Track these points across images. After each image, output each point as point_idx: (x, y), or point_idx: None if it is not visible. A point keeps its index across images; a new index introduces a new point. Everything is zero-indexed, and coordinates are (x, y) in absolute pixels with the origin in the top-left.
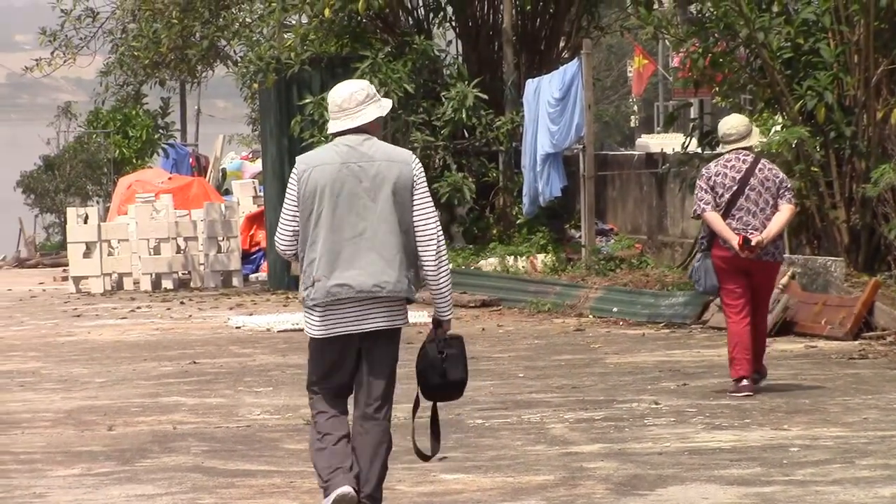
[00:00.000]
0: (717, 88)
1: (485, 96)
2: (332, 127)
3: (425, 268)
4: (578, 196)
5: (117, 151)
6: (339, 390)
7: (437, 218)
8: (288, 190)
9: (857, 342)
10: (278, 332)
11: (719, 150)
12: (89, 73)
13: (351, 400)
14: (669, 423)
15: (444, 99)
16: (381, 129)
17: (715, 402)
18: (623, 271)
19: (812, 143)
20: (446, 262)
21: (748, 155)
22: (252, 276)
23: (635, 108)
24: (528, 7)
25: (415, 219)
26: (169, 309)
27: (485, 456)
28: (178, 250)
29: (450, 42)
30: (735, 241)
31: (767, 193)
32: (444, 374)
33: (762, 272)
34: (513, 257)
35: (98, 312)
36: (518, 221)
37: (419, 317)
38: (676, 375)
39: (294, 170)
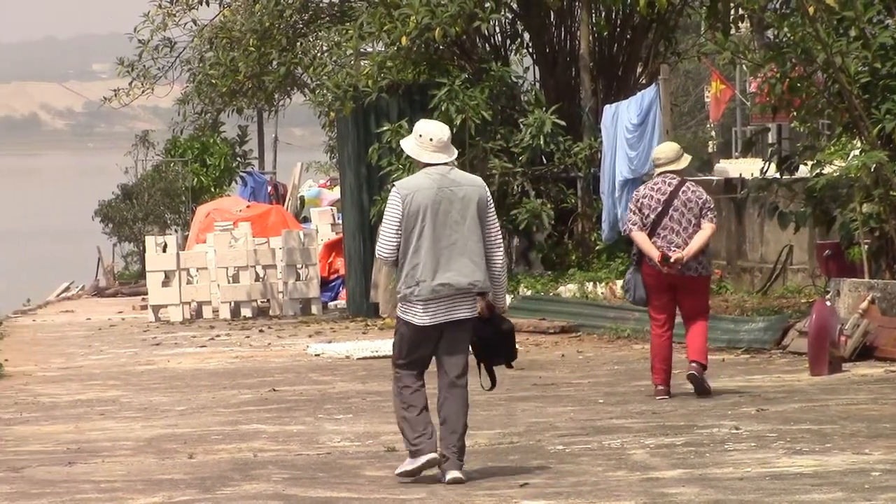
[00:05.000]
0: (794, 113)
1: (563, 122)
2: (429, 158)
3: (493, 267)
4: None
5: (195, 180)
6: (421, 366)
7: (500, 228)
8: (390, 210)
9: None
10: (358, 359)
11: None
12: (167, 102)
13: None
14: (750, 448)
15: (521, 125)
16: None
17: (795, 427)
18: None
19: (890, 167)
20: (505, 261)
21: (674, 178)
22: (331, 304)
23: (713, 133)
24: (605, 33)
25: (488, 230)
26: (248, 337)
27: (566, 482)
28: (257, 278)
29: (527, 68)
30: (656, 256)
31: (690, 213)
32: (495, 344)
33: (687, 287)
34: (592, 283)
35: (177, 341)
36: (597, 247)
37: None
38: (756, 400)
39: (396, 193)
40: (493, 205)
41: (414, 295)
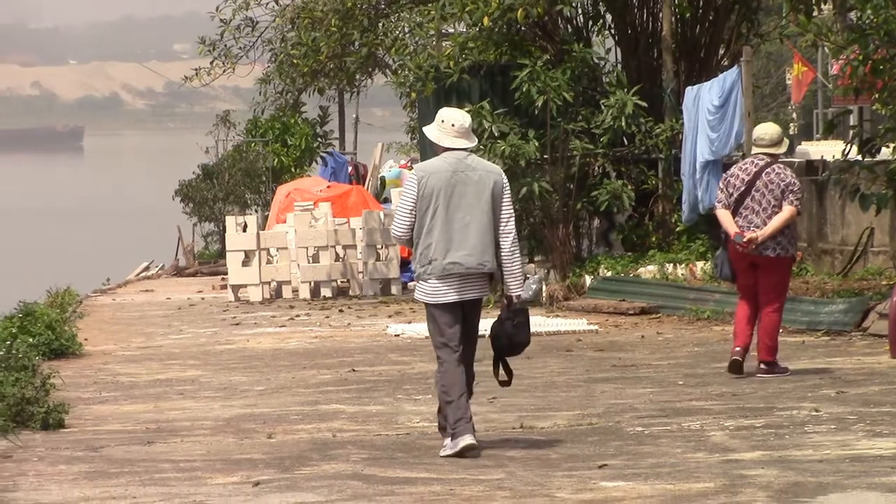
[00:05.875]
0: (876, 95)
1: (644, 104)
2: (450, 143)
3: (503, 253)
4: None
5: (276, 160)
6: (456, 345)
7: (513, 216)
8: (406, 190)
9: None
10: None
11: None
12: (247, 82)
13: None
14: (830, 431)
15: (603, 106)
16: None
17: (875, 410)
18: None
19: None
20: (518, 249)
21: (762, 160)
22: (411, 284)
23: (794, 115)
24: (688, 14)
25: (502, 217)
26: (327, 317)
27: (645, 463)
28: (337, 258)
29: (609, 50)
30: (733, 233)
31: (770, 195)
32: (511, 338)
33: (765, 266)
34: (672, 265)
35: (257, 320)
36: (677, 229)
37: (579, 325)
38: (836, 383)
39: (412, 175)
40: (509, 193)
41: (427, 273)
